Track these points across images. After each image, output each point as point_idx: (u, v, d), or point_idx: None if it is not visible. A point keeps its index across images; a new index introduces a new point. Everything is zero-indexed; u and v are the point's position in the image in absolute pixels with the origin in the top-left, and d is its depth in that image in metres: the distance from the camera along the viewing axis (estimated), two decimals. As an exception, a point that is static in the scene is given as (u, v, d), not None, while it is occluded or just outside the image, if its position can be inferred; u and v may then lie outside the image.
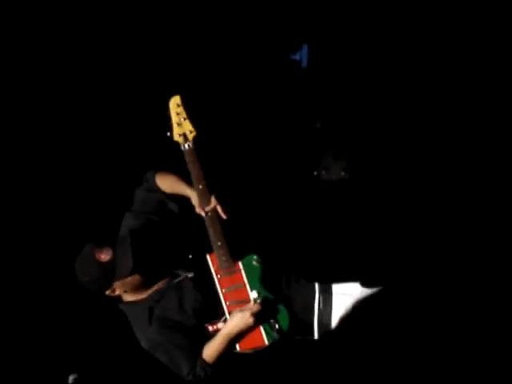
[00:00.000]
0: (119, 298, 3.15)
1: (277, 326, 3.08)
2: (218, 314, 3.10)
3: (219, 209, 3.03)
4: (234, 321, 3.02)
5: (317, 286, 3.22)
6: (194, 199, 3.08)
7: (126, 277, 3.02)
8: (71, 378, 2.87)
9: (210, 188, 3.03)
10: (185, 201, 3.12)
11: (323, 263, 3.41)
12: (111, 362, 3.71)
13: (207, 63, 4.09)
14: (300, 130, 4.10)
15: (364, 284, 3.24)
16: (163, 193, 3.18)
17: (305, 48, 4.22)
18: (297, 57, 4.22)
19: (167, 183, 3.18)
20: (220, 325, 3.09)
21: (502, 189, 3.78)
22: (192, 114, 3.04)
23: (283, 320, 3.09)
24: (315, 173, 3.95)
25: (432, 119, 4.00)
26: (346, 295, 3.20)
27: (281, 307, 3.10)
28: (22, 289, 3.84)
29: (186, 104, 3.03)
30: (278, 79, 4.19)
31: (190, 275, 3.12)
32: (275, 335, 3.08)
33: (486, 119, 3.93)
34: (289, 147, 4.07)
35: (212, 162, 3.11)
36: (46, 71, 4.01)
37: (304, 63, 4.21)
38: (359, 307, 3.15)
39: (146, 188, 3.22)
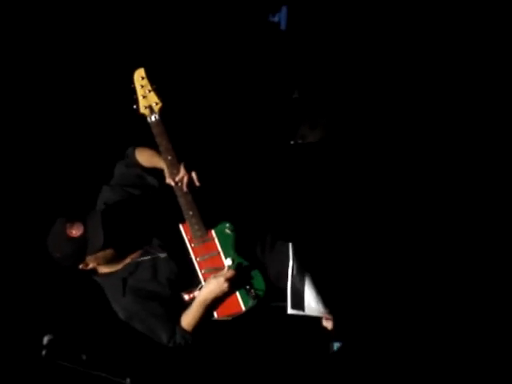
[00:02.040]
0: (93, 270, 3.18)
1: (253, 292, 3.11)
2: (194, 283, 3.13)
3: (187, 178, 3.04)
4: (209, 287, 3.05)
5: (291, 252, 3.22)
6: (165, 170, 3.10)
7: (97, 251, 3.05)
8: (46, 339, 2.87)
9: (179, 158, 3.04)
10: (162, 174, 3.14)
11: (297, 229, 3.42)
12: (87, 325, 3.76)
13: (174, 24, 4.04)
14: (277, 99, 4.07)
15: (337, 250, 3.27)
16: (142, 167, 3.20)
17: (284, 10, 4.18)
18: (275, 19, 4.18)
19: (145, 157, 3.20)
20: (196, 293, 3.12)
21: (501, 188, 3.77)
22: (157, 85, 3.04)
23: (259, 286, 3.12)
24: (292, 142, 3.94)
25: (406, 90, 3.97)
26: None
27: (256, 273, 3.13)
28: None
29: (150, 75, 3.03)
30: (255, 41, 4.15)
31: (163, 255, 3.15)
32: (252, 301, 3.11)
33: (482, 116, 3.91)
34: (265, 116, 4.05)
35: (180, 131, 3.10)
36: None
37: (283, 25, 4.17)
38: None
39: (125, 163, 3.24)
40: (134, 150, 3.22)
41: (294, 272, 3.20)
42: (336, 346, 3.23)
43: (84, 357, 2.85)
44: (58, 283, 3.81)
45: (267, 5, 4.17)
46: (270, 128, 4.01)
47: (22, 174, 3.98)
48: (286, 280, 3.18)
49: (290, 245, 3.24)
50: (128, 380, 2.84)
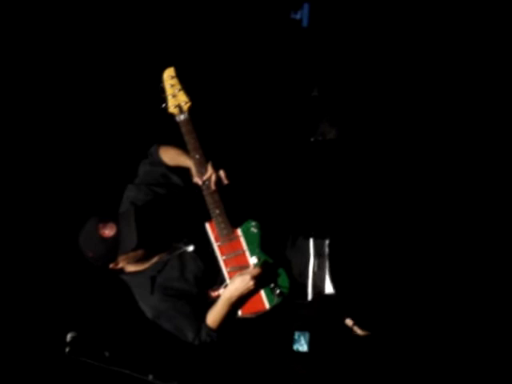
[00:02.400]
0: (121, 269, 3.20)
1: (277, 291, 3.13)
2: (219, 281, 3.16)
3: (215, 177, 3.07)
4: (235, 285, 3.07)
5: (312, 249, 3.26)
6: (192, 169, 3.12)
7: (130, 251, 3.08)
8: (69, 336, 2.85)
9: (207, 157, 3.06)
10: (187, 173, 3.17)
11: (318, 227, 3.44)
12: (109, 322, 3.81)
13: (202, 27, 4.06)
14: (297, 97, 4.08)
15: (359, 248, 3.28)
16: (166, 166, 3.21)
17: (306, 7, 4.18)
18: (297, 16, 4.19)
19: (169, 156, 3.21)
20: (221, 291, 3.14)
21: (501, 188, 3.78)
22: (186, 85, 3.06)
23: (283, 283, 3.14)
24: (312, 139, 3.96)
25: (434, 89, 3.97)
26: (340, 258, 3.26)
27: (281, 271, 3.15)
28: (27, 252, 3.92)
29: (179, 75, 3.05)
30: (277, 39, 4.16)
31: (191, 249, 3.16)
32: (276, 299, 3.14)
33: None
34: (286, 114, 4.06)
35: (208, 130, 3.12)
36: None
37: (305, 22, 4.17)
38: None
39: (149, 161, 3.26)
40: (158, 148, 3.22)
41: (315, 269, 3.23)
42: None
43: (107, 354, 2.82)
44: (81, 280, 3.85)
45: (289, 2, 4.17)
46: (289, 126, 4.02)
47: (51, 171, 4.01)
48: (307, 277, 3.23)
49: (311, 241, 3.27)
50: (150, 376, 2.82)
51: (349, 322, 3.29)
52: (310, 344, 3.21)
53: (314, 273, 3.23)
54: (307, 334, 3.22)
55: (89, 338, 2.85)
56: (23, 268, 3.89)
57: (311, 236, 3.30)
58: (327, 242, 3.29)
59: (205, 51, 4.04)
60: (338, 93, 4.04)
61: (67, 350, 2.84)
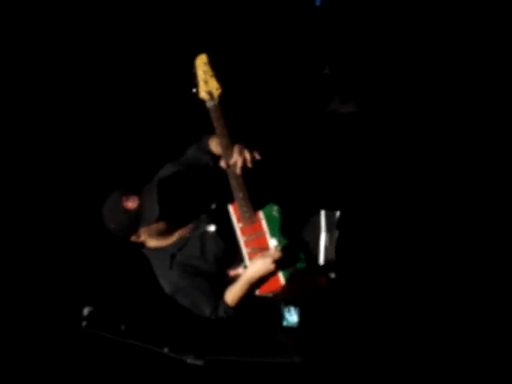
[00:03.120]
0: (143, 243, 3.29)
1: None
2: (237, 260, 3.25)
3: (240, 161, 3.14)
4: (256, 266, 3.16)
5: (323, 224, 3.35)
6: (218, 152, 3.21)
7: (151, 224, 3.17)
8: (86, 311, 2.90)
9: (234, 142, 3.14)
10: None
11: (329, 201, 3.53)
12: (127, 297, 3.86)
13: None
14: (309, 75, 4.14)
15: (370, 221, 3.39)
16: (211, 154, 3.31)
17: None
18: (311, -5, 4.22)
19: (214, 145, 3.32)
20: (240, 270, 3.24)
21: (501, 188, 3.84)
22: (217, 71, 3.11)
23: (301, 266, 3.24)
24: (323, 116, 4.01)
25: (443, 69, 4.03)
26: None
27: (300, 255, 3.24)
28: (47, 228, 3.98)
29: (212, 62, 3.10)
30: (290, 17, 4.19)
31: (212, 229, 3.25)
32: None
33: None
34: (298, 92, 4.11)
35: (235, 117, 3.18)
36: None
37: (317, 1, 4.21)
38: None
39: (197, 147, 3.37)
40: (209, 137, 3.31)
41: (327, 243, 3.34)
42: None
43: (123, 327, 2.88)
44: (97, 255, 3.91)
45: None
46: (301, 104, 4.08)
47: (82, 147, 4.07)
48: (319, 251, 3.33)
49: (323, 216, 3.37)
50: (166, 349, 2.88)
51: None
52: (300, 318, 3.27)
53: (325, 247, 3.34)
54: (297, 309, 3.28)
55: (105, 312, 2.90)
56: (40, 242, 3.96)
57: (322, 210, 3.38)
58: (338, 216, 3.39)
59: (228, 37, 4.07)
60: (349, 71, 4.09)
61: (84, 324, 2.89)
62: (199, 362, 2.89)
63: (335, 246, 3.35)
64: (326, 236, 3.33)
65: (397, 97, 4.03)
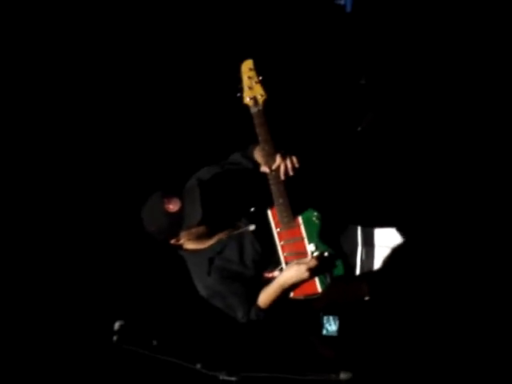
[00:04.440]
0: (181, 245, 3.30)
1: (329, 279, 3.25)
2: (273, 262, 3.26)
3: (283, 167, 3.17)
4: (290, 273, 3.18)
5: (359, 238, 3.38)
6: (260, 159, 3.23)
7: (193, 227, 3.18)
8: (117, 325, 2.86)
9: (276, 148, 3.17)
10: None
11: (366, 215, 3.56)
12: (158, 311, 3.89)
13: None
14: (344, 86, 4.16)
15: (405, 236, 3.41)
16: (254, 162, 3.31)
17: (349, -7, 4.26)
18: (341, 2, 4.26)
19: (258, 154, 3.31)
20: (276, 273, 3.25)
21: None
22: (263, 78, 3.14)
23: (339, 273, 3.26)
24: (359, 128, 4.05)
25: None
26: (387, 247, 3.40)
27: (338, 262, 3.26)
28: (81, 236, 4.03)
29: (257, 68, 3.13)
30: (322, 25, 4.23)
31: (252, 228, 3.25)
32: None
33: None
34: (334, 103, 4.14)
35: (279, 123, 3.20)
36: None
37: (348, 8, 4.25)
38: (400, 259, 3.35)
39: (242, 153, 3.37)
40: (254, 145, 3.31)
41: (363, 257, 3.37)
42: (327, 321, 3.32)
43: (155, 342, 2.82)
44: (129, 270, 3.96)
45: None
46: (336, 115, 4.11)
47: (125, 148, 4.11)
48: (355, 265, 3.36)
49: (359, 230, 3.39)
50: (199, 365, 2.83)
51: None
52: (340, 327, 3.27)
53: (361, 261, 3.37)
54: (336, 318, 3.28)
55: (137, 326, 2.88)
56: (72, 258, 3.99)
57: (360, 224, 3.41)
58: (376, 231, 3.42)
59: (272, 45, 4.11)
60: (384, 79, 4.12)
61: (115, 338, 2.85)
62: (232, 379, 2.83)
63: (372, 261, 3.38)
64: (363, 250, 3.37)
65: (430, 109, 4.05)
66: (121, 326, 2.87)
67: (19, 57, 4.08)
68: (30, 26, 4.09)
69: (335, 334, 3.27)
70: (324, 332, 3.29)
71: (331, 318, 3.28)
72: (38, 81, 4.11)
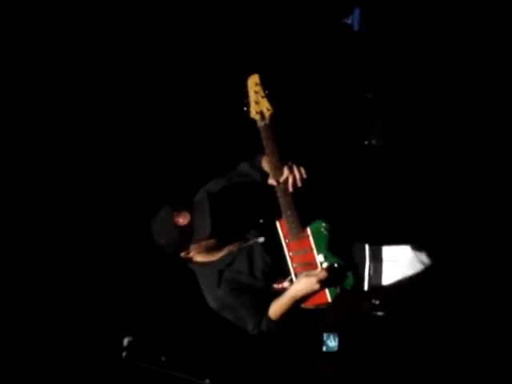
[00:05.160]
0: (190, 258, 3.34)
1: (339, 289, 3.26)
2: (283, 273, 3.29)
3: (291, 179, 3.21)
4: (300, 285, 3.20)
5: (367, 253, 3.41)
6: (268, 169, 3.27)
7: (203, 240, 3.22)
8: (126, 341, 2.92)
9: (283, 160, 3.22)
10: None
11: (374, 229, 3.59)
12: (166, 327, 3.91)
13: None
14: (351, 100, 4.22)
15: (413, 251, 3.43)
16: (262, 172, 3.36)
17: (357, 11, 4.33)
18: (349, 20, 4.33)
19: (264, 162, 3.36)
20: (286, 284, 3.28)
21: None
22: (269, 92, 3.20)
23: (348, 286, 3.27)
24: (366, 142, 4.09)
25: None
26: (395, 262, 3.42)
27: (349, 274, 3.27)
28: (88, 248, 4.08)
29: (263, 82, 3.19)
30: (330, 43, 4.30)
31: (261, 240, 3.29)
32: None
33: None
34: (341, 116, 4.20)
35: (285, 136, 3.26)
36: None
37: (356, 27, 4.32)
38: (408, 274, 3.37)
39: (250, 164, 3.41)
40: (262, 155, 3.35)
41: (371, 272, 3.40)
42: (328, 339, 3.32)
43: (164, 358, 2.87)
44: (138, 285, 4.00)
45: (340, 7, 4.31)
46: (343, 128, 4.16)
47: (134, 161, 4.19)
48: (363, 279, 3.38)
49: (367, 245, 3.43)
50: (208, 381, 2.88)
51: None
52: (340, 344, 3.28)
53: (369, 275, 3.39)
54: (336, 335, 3.29)
55: (145, 342, 2.93)
56: (82, 273, 4.03)
57: (368, 240, 3.44)
58: (384, 246, 3.45)
59: (278, 60, 4.18)
60: (391, 94, 4.17)
61: (124, 354, 2.90)
62: None
63: (379, 276, 3.40)
64: (370, 265, 3.39)
65: (436, 121, 4.09)
66: (130, 342, 2.92)
67: (19, 57, 4.14)
68: (29, 26, 4.15)
69: (335, 350, 3.28)
70: (324, 349, 3.30)
71: (332, 335, 3.29)
72: (39, 83, 4.17)
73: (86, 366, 3.80)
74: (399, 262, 3.42)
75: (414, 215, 3.77)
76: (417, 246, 3.44)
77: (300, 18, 4.26)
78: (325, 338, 3.28)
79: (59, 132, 4.16)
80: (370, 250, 3.42)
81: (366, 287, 3.36)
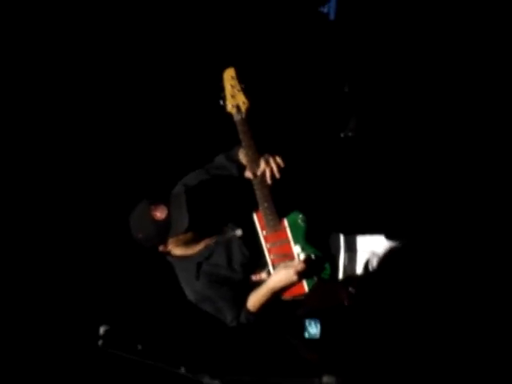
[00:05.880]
0: (168, 252, 3.35)
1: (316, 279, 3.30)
2: (261, 265, 3.31)
3: (269, 171, 3.22)
4: (279, 277, 3.22)
5: (342, 244, 3.44)
6: (245, 161, 3.29)
7: (180, 234, 3.24)
8: (102, 329, 2.90)
9: (260, 153, 3.23)
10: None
11: (349, 220, 3.61)
12: (144, 316, 3.95)
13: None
14: (328, 93, 4.23)
15: (387, 241, 3.47)
16: (238, 164, 3.36)
17: (333, 0, 4.33)
18: (325, 9, 4.33)
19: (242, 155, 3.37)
20: (263, 275, 3.30)
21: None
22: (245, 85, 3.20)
23: (325, 277, 3.31)
24: (342, 135, 4.11)
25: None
26: (369, 252, 3.46)
27: (326, 265, 3.31)
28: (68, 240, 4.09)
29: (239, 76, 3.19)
30: (305, 32, 4.30)
31: (239, 233, 3.31)
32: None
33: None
34: (318, 109, 4.21)
35: (262, 129, 3.27)
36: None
37: (332, 16, 4.32)
38: (382, 264, 3.40)
39: (226, 156, 3.41)
40: (238, 147, 3.36)
41: (346, 262, 3.43)
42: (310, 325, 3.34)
43: (139, 346, 2.87)
44: (113, 273, 4.02)
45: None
46: (320, 121, 4.17)
47: (105, 155, 4.18)
48: (338, 269, 3.40)
49: (342, 236, 3.46)
50: (183, 369, 2.88)
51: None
52: (322, 331, 3.30)
53: (344, 266, 3.42)
54: (318, 321, 3.31)
55: (121, 331, 2.91)
56: (59, 261, 4.06)
57: (343, 230, 3.47)
58: (358, 237, 3.48)
59: (253, 52, 4.18)
60: (367, 86, 4.18)
61: (100, 342, 2.89)
62: (215, 382, 2.88)
63: (354, 266, 3.43)
64: (345, 255, 3.42)
65: (415, 114, 4.10)
66: (106, 331, 2.90)
67: (19, 57, 4.15)
68: (29, 26, 4.15)
69: (317, 337, 3.31)
70: (306, 335, 3.32)
71: (313, 321, 3.32)
72: (36, 82, 4.19)
73: (63, 353, 3.84)
74: (373, 253, 3.46)
75: (388, 206, 3.79)
76: (391, 236, 3.47)
77: (275, 7, 4.24)
78: (307, 324, 3.30)
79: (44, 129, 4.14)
80: (345, 240, 3.45)
81: (340, 277, 3.38)
